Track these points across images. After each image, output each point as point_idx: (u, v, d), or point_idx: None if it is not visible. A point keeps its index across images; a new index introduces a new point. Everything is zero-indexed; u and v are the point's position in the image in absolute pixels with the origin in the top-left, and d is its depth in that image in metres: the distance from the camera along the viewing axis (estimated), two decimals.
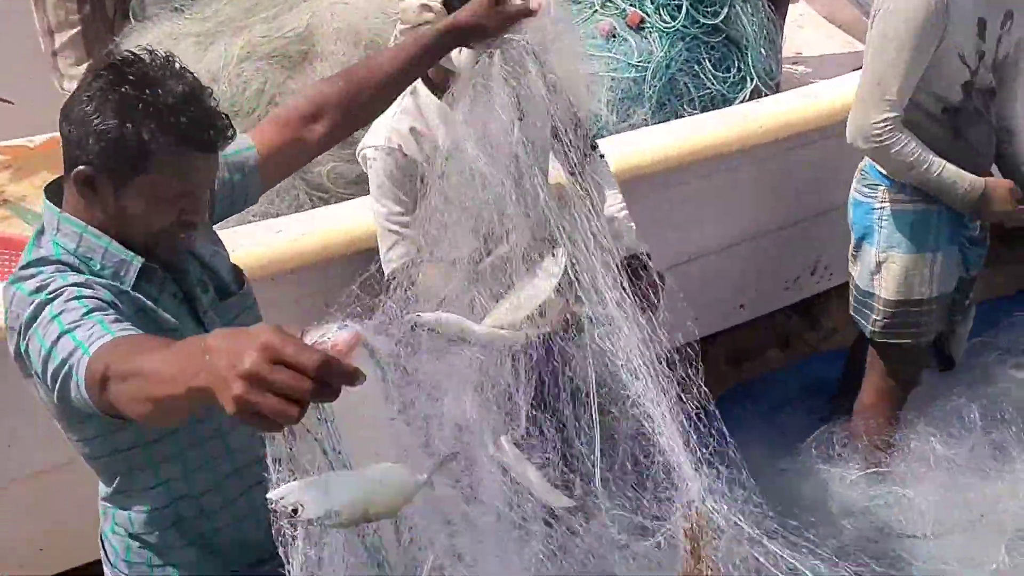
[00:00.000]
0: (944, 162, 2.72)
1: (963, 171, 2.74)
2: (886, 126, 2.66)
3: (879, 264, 2.91)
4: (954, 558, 2.91)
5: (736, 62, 3.80)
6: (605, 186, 2.53)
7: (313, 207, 3.26)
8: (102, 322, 1.38)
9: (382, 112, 2.03)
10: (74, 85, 1.72)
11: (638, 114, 3.69)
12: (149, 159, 1.51)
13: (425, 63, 1.91)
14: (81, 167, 1.52)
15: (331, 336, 1.24)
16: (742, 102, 3.78)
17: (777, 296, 3.68)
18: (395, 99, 2.00)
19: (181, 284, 1.66)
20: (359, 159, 2.44)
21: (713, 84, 3.76)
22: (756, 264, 3.53)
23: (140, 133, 1.49)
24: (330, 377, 1.07)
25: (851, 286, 3.07)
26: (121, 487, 1.69)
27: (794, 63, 4.48)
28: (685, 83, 3.73)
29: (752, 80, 3.80)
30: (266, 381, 1.04)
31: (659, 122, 3.73)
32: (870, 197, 2.89)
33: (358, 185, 2.97)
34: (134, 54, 1.55)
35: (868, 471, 3.10)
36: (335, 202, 2.97)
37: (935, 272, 2.90)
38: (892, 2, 2.61)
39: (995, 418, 3.20)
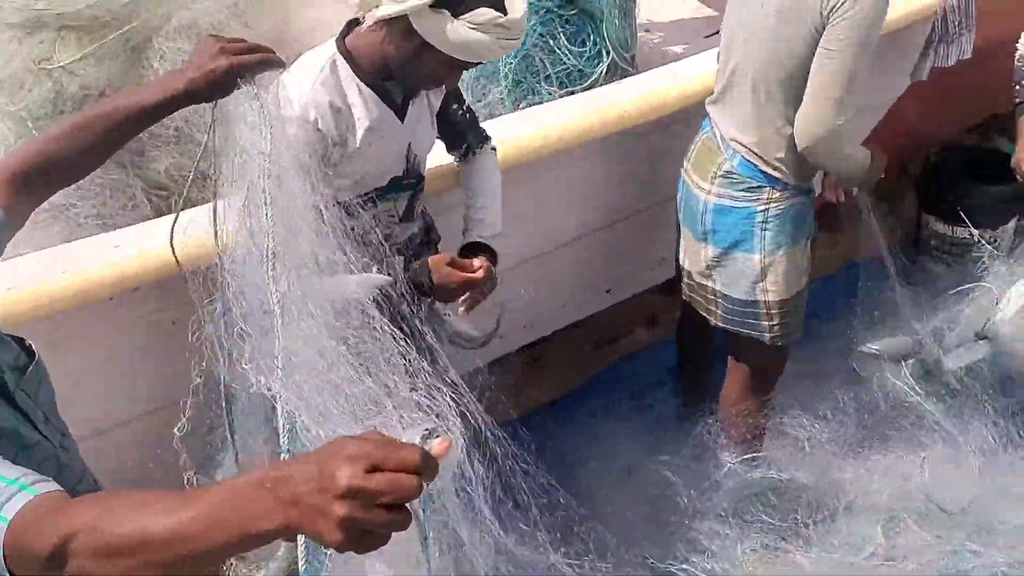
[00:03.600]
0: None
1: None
2: (844, 126, 2.58)
3: (764, 269, 2.82)
4: (833, 542, 2.91)
5: (591, 35, 3.69)
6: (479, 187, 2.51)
7: (152, 207, 2.99)
8: None
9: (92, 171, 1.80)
10: None
11: (493, 92, 3.55)
12: None
13: (145, 126, 1.73)
14: None
15: (420, 440, 1.19)
16: (599, 76, 3.68)
17: (643, 277, 3.60)
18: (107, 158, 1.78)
19: None
20: None
21: (569, 59, 3.65)
22: (621, 247, 3.44)
23: None
24: (427, 469, 1.00)
25: (711, 299, 2.96)
26: None
27: (647, 31, 4.39)
28: (540, 59, 3.60)
29: (608, 54, 3.69)
30: (369, 492, 0.96)
31: (516, 100, 3.61)
32: (750, 201, 2.77)
33: None
34: None
35: (744, 458, 3.07)
36: (177, 200, 2.70)
37: (807, 260, 2.89)
38: (855, 8, 2.47)
39: (861, 399, 3.21)
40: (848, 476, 3.04)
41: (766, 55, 2.63)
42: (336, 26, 2.31)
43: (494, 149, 2.60)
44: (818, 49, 2.53)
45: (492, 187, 2.56)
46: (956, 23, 3.52)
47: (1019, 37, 3.30)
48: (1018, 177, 3.33)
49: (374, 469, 0.97)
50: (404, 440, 1.11)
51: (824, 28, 2.51)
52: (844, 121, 2.57)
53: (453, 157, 2.59)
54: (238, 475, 1.05)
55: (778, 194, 2.75)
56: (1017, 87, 3.36)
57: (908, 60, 3.65)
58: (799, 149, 2.64)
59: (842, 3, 2.46)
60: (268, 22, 3.35)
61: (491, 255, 2.43)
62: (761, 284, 2.84)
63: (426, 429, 1.25)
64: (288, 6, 3.67)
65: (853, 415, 3.14)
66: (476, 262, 2.35)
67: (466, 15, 2.02)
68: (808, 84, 2.57)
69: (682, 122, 3.10)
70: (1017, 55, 3.35)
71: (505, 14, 2.04)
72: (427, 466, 0.99)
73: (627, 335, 3.92)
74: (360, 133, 2.20)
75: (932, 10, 3.53)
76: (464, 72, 2.27)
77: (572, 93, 3.52)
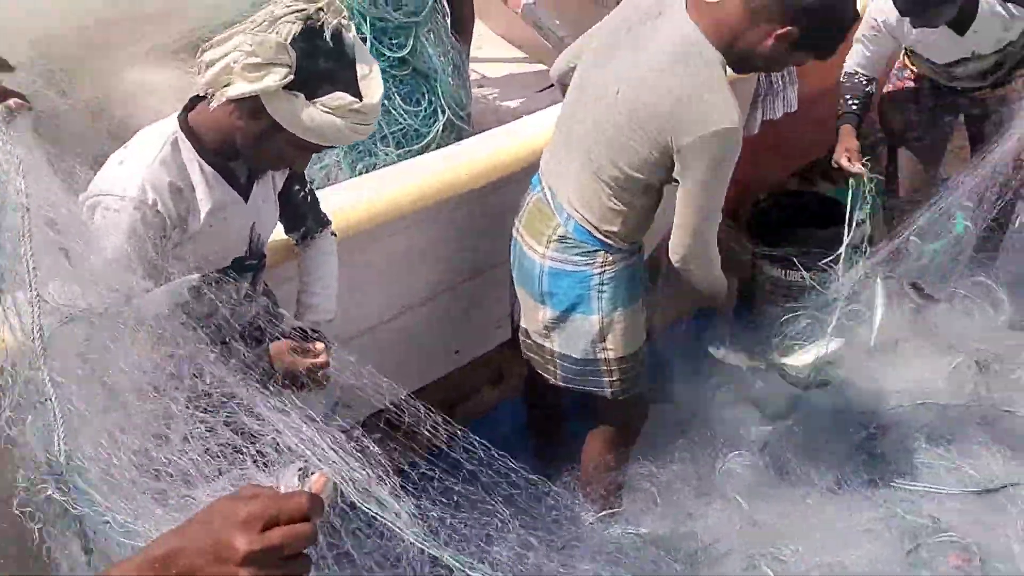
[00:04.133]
0: None
1: None
2: (712, 249, 2.70)
3: (603, 329, 2.82)
4: None
5: (426, 95, 3.65)
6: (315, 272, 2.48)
7: None
8: None
9: None
10: None
11: (330, 155, 3.47)
12: None
13: None
14: None
15: (297, 481, 1.16)
16: (436, 135, 3.65)
17: (490, 336, 3.57)
18: None
19: None
20: (84, 207, 2.00)
21: (405, 119, 3.60)
22: (467, 306, 3.40)
23: None
24: (316, 510, 1.02)
25: (549, 359, 2.95)
26: None
27: (480, 86, 4.41)
28: (376, 120, 3.53)
29: (444, 112, 3.67)
30: (270, 551, 0.97)
31: (352, 161, 3.54)
32: (585, 265, 2.77)
33: None
34: None
35: (602, 514, 3.06)
36: None
37: (645, 316, 2.92)
38: (706, 153, 2.47)
39: (711, 444, 3.27)
40: (702, 524, 3.09)
41: (608, 142, 2.61)
42: (161, 91, 2.20)
43: (334, 234, 2.56)
44: (679, 180, 2.55)
45: (328, 272, 2.51)
46: (780, 78, 3.67)
47: (842, 70, 3.54)
48: (834, 164, 3.64)
49: (268, 527, 0.98)
50: (282, 486, 1.11)
51: (673, 157, 2.51)
52: (705, 245, 2.65)
53: (291, 238, 2.52)
54: (111, 567, 1.01)
55: (612, 257, 2.77)
56: (841, 100, 3.64)
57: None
58: (674, 264, 2.71)
59: (690, 144, 2.45)
60: (87, 89, 3.18)
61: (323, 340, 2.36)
62: (601, 344, 2.85)
63: (299, 468, 1.22)
64: (109, 69, 3.52)
65: (707, 459, 3.20)
66: (318, 346, 2.28)
67: (321, 99, 1.96)
68: (676, 213, 2.62)
69: (523, 180, 3.10)
70: (843, 73, 3.57)
71: (360, 99, 1.99)
72: (315, 507, 1.02)
73: (475, 394, 3.88)
74: (203, 215, 2.10)
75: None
76: None
77: (410, 153, 3.48)
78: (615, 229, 2.72)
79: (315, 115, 1.97)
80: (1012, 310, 3.88)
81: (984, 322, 3.85)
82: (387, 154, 3.54)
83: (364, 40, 3.42)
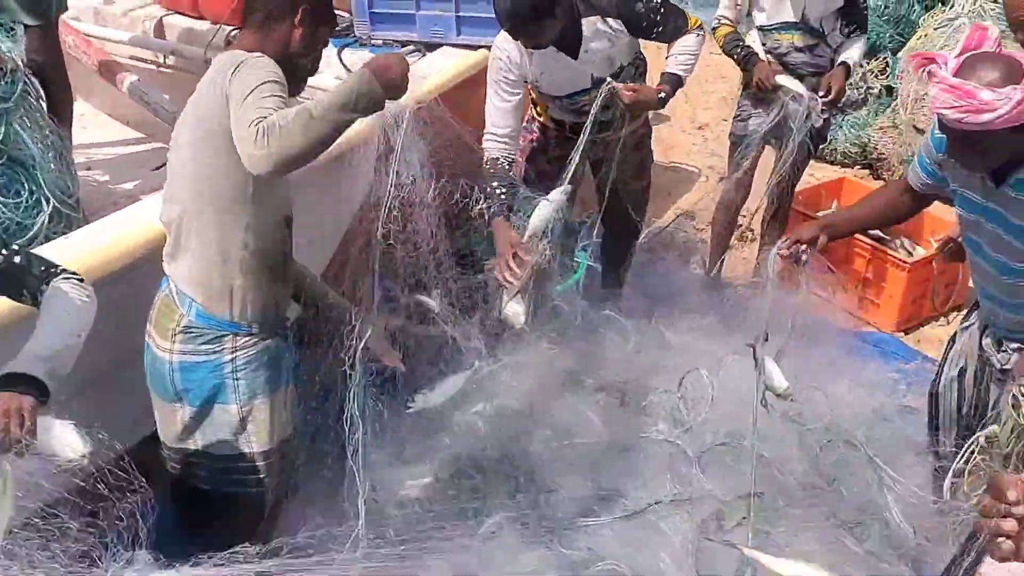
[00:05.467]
0: None
1: None
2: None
3: (244, 419, 2.71)
4: None
5: (26, 184, 3.38)
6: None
7: None
8: None
9: None
10: None
11: None
12: None
13: None
14: None
15: None
16: (41, 226, 3.38)
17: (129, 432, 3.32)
18: None
19: None
20: None
21: (3, 212, 3.31)
22: (94, 408, 3.14)
23: None
24: None
25: (194, 462, 2.80)
26: None
27: (88, 169, 4.15)
28: None
29: (48, 202, 3.41)
30: None
31: None
32: (215, 353, 2.67)
33: None
34: None
35: None
36: None
37: (291, 404, 2.84)
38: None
39: None
40: None
41: (189, 196, 2.58)
42: None
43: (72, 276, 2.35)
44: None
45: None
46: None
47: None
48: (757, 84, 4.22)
49: None
50: None
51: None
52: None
53: None
54: None
55: (243, 340, 2.68)
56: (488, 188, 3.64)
57: (361, 182, 3.75)
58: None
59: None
60: None
61: None
62: (243, 435, 2.74)
63: None
64: None
65: None
66: None
67: None
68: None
69: (144, 268, 2.92)
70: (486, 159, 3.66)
71: None
72: None
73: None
74: None
75: (368, 135, 3.63)
76: None
77: (15, 251, 3.19)
78: (236, 299, 2.65)
79: None
80: (638, 339, 4.15)
81: (615, 353, 4.07)
82: None
83: None
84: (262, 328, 2.71)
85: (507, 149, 3.71)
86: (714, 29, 4.40)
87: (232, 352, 2.67)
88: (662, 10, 3.79)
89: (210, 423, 2.73)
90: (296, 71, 2.66)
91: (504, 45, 3.65)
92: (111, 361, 3.11)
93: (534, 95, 4.04)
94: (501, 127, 3.71)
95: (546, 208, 3.38)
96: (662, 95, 3.78)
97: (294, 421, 2.89)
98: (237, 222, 2.59)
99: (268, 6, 2.61)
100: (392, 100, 2.53)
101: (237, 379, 2.68)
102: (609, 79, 3.63)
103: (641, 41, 3.92)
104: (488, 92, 3.75)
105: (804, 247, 2.97)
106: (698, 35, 3.89)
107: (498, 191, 3.62)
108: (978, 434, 2.86)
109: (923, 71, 2.49)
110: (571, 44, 3.70)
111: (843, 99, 4.66)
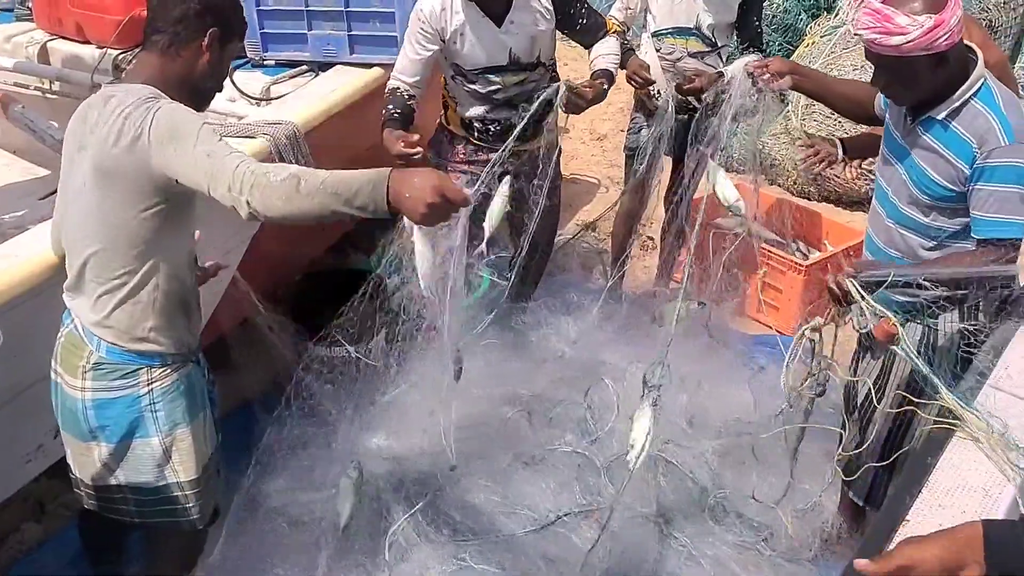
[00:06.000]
0: None
1: None
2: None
3: (167, 451, 2.66)
4: None
5: None
6: None
7: None
8: None
9: None
10: None
11: None
12: None
13: None
14: None
15: None
16: None
17: (20, 473, 3.23)
18: None
19: None
20: None
21: None
22: None
23: None
24: None
25: (119, 497, 2.74)
26: None
27: None
28: None
29: None
30: None
31: None
32: (129, 387, 2.61)
33: None
34: None
35: None
36: None
37: (211, 428, 2.80)
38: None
39: None
40: None
41: (112, 236, 2.51)
42: None
43: None
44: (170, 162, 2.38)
45: None
46: (292, 161, 3.65)
47: None
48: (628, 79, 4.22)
49: None
50: None
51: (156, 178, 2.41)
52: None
53: None
54: None
55: (158, 371, 2.63)
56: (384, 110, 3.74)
57: None
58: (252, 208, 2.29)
59: (150, 134, 2.38)
60: None
61: None
62: (168, 466, 2.69)
63: None
64: None
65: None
66: None
67: None
68: (202, 179, 2.34)
69: (33, 303, 2.84)
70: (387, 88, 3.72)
71: None
72: None
73: (14, 533, 3.57)
74: None
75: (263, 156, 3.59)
76: None
77: None
78: (145, 329, 2.58)
79: None
80: (543, 351, 4.17)
81: (521, 366, 4.08)
82: None
83: None
84: (176, 358, 2.66)
85: (409, 89, 3.84)
86: None
87: (148, 385, 2.62)
88: (587, 4, 3.96)
89: (132, 458, 2.67)
90: (201, 95, 2.64)
91: (427, 2, 3.76)
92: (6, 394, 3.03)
93: (445, 91, 4.07)
94: (408, 75, 3.86)
95: (497, 203, 3.45)
96: (605, 87, 3.85)
97: (213, 444, 2.84)
98: (149, 264, 2.55)
99: (174, 28, 2.55)
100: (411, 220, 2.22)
101: (156, 412, 2.63)
102: (565, 83, 3.63)
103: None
104: (404, 42, 3.89)
105: (768, 75, 3.17)
106: (615, 39, 4.02)
107: (393, 112, 3.74)
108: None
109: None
110: (498, 10, 3.77)
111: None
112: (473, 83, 3.90)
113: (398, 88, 3.84)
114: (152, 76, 2.54)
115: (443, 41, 3.80)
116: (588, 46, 4.02)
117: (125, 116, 2.40)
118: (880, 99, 3.10)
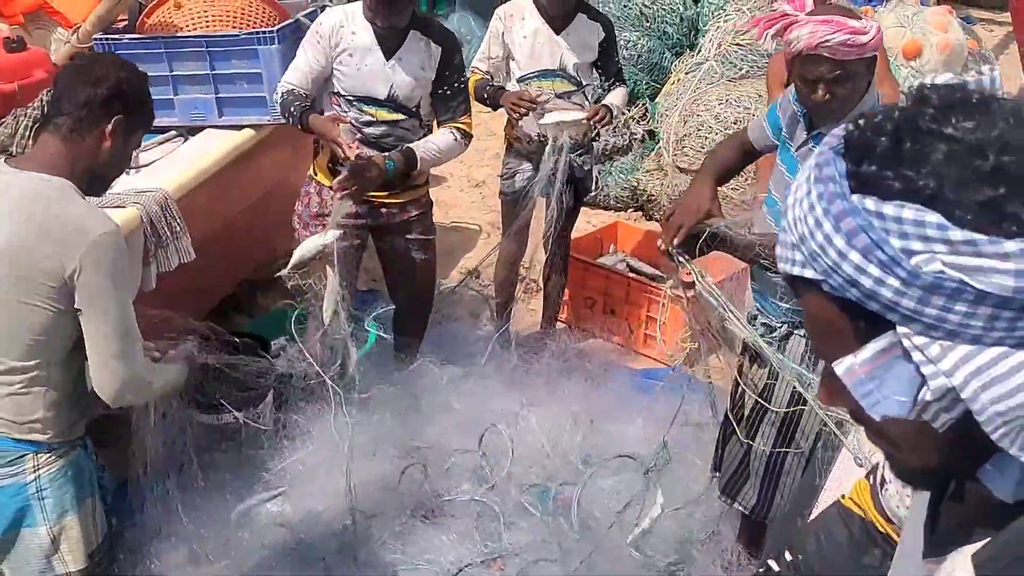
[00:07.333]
0: None
1: None
2: (138, 366, 2.55)
3: (55, 539, 2.56)
4: None
5: None
6: None
7: None
8: None
9: None
10: None
11: None
12: None
13: None
14: None
15: None
16: None
17: None
18: None
19: None
20: None
21: None
22: None
23: None
24: None
25: None
26: None
27: None
28: None
29: None
30: None
31: None
32: (15, 475, 2.50)
33: None
34: None
35: None
36: None
37: (100, 515, 2.69)
38: (98, 273, 2.40)
39: None
40: None
41: (6, 327, 2.43)
42: None
43: None
44: (80, 316, 2.41)
45: None
46: (168, 230, 3.58)
47: None
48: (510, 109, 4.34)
49: None
50: None
51: (71, 294, 2.39)
52: (136, 366, 2.49)
53: None
54: None
55: (44, 457, 2.53)
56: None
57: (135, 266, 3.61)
58: (113, 407, 2.53)
59: (80, 271, 2.36)
60: None
61: None
62: (56, 556, 2.58)
63: None
64: None
65: None
66: None
67: None
68: (90, 351, 2.44)
69: None
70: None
71: None
72: None
73: None
74: None
75: (134, 226, 3.50)
76: None
77: None
78: (35, 417, 2.49)
79: None
80: (434, 402, 4.16)
81: (412, 418, 4.06)
82: None
83: None
84: (63, 444, 2.56)
85: (302, 90, 3.90)
86: None
87: (35, 472, 2.51)
88: (463, 90, 4.06)
89: (18, 549, 2.56)
90: (101, 182, 2.59)
91: (329, 16, 3.85)
92: None
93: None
94: (293, 82, 3.91)
95: (329, 300, 3.49)
96: (390, 163, 3.83)
97: (103, 532, 2.73)
98: (47, 366, 2.48)
99: (78, 113, 2.46)
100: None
101: (43, 499, 2.53)
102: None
103: None
104: (297, 53, 3.95)
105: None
106: (458, 140, 4.03)
107: (302, 105, 3.84)
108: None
109: (778, 25, 2.72)
110: (391, 44, 3.82)
111: (605, 142, 4.80)
112: (347, 112, 3.90)
113: (293, 89, 3.90)
114: (52, 161, 2.45)
115: (331, 54, 3.85)
116: (433, 119, 4.09)
117: (51, 247, 2.37)
118: (764, 128, 3.12)
